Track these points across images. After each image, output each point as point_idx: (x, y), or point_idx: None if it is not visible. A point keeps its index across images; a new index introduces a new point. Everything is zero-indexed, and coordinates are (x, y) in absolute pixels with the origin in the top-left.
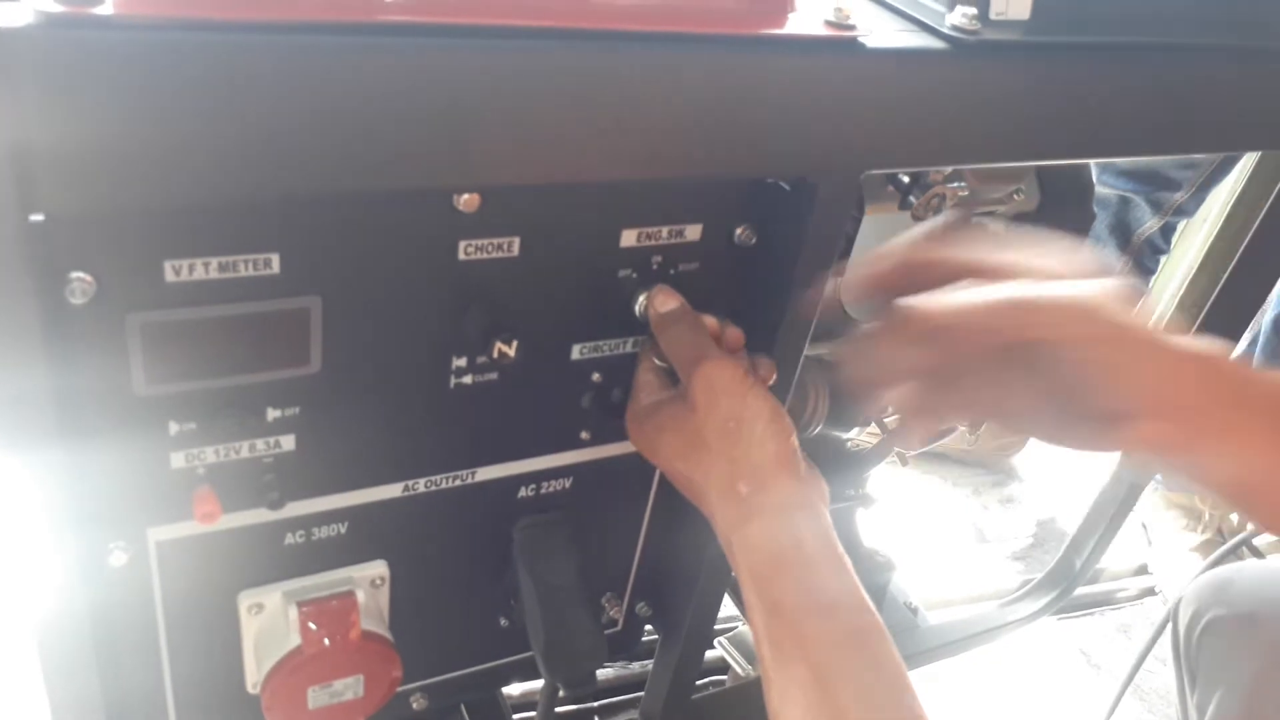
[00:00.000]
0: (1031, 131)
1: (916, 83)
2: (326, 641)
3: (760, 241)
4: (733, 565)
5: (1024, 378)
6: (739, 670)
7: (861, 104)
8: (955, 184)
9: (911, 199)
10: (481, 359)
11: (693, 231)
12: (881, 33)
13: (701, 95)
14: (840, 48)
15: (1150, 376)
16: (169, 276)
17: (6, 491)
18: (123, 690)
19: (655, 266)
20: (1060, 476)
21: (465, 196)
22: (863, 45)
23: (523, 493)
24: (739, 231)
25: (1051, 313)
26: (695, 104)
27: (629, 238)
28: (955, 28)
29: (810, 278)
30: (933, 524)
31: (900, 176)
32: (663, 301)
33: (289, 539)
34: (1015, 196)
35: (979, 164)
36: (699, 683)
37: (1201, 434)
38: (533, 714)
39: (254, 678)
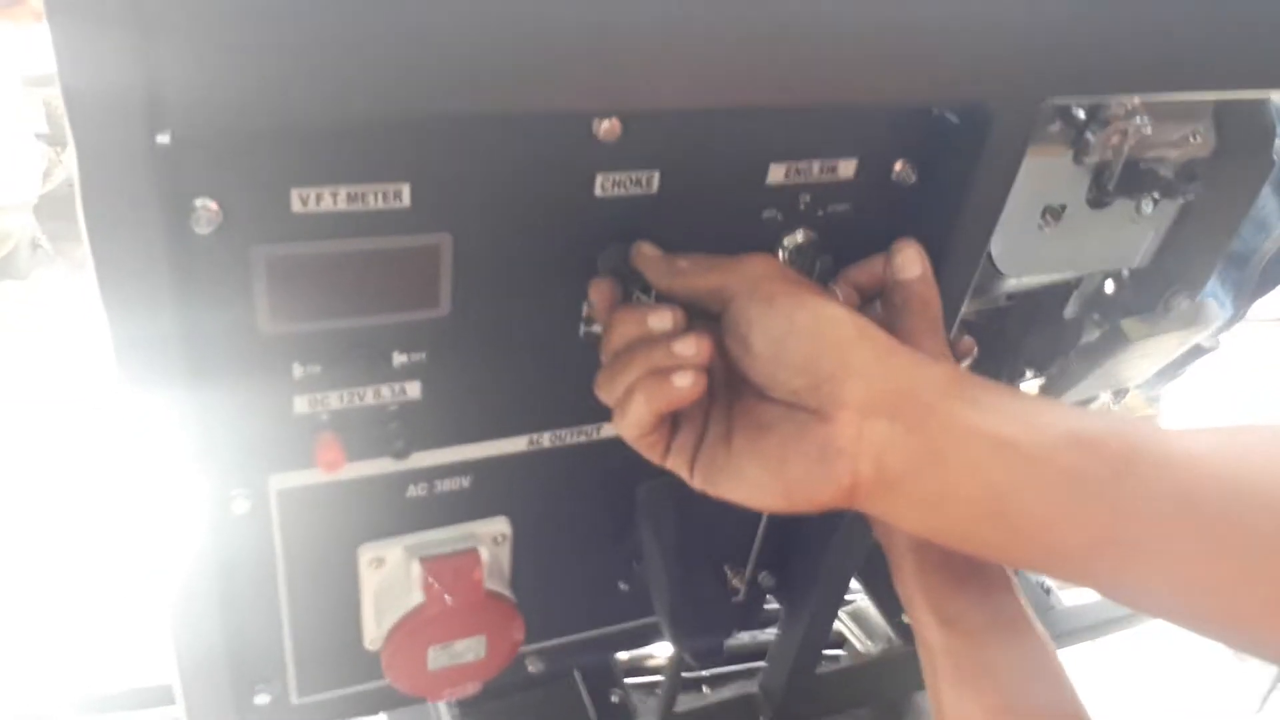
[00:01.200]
0: (1240, 52)
1: None
2: (449, 600)
3: (922, 180)
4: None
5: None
6: (858, 645)
7: (1048, 16)
8: (1139, 119)
9: (1088, 136)
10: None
11: (846, 168)
12: None
13: (863, 5)
14: None
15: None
16: (296, 206)
17: (130, 434)
18: (243, 640)
19: (803, 206)
20: None
21: (606, 123)
22: None
23: None
24: (898, 168)
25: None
26: (857, 16)
27: (776, 174)
28: None
29: (977, 221)
30: None
31: (1074, 110)
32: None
33: (411, 491)
34: (1192, 139)
35: (1181, 92)
36: None
37: (940, 437)
38: (643, 679)
39: (372, 634)
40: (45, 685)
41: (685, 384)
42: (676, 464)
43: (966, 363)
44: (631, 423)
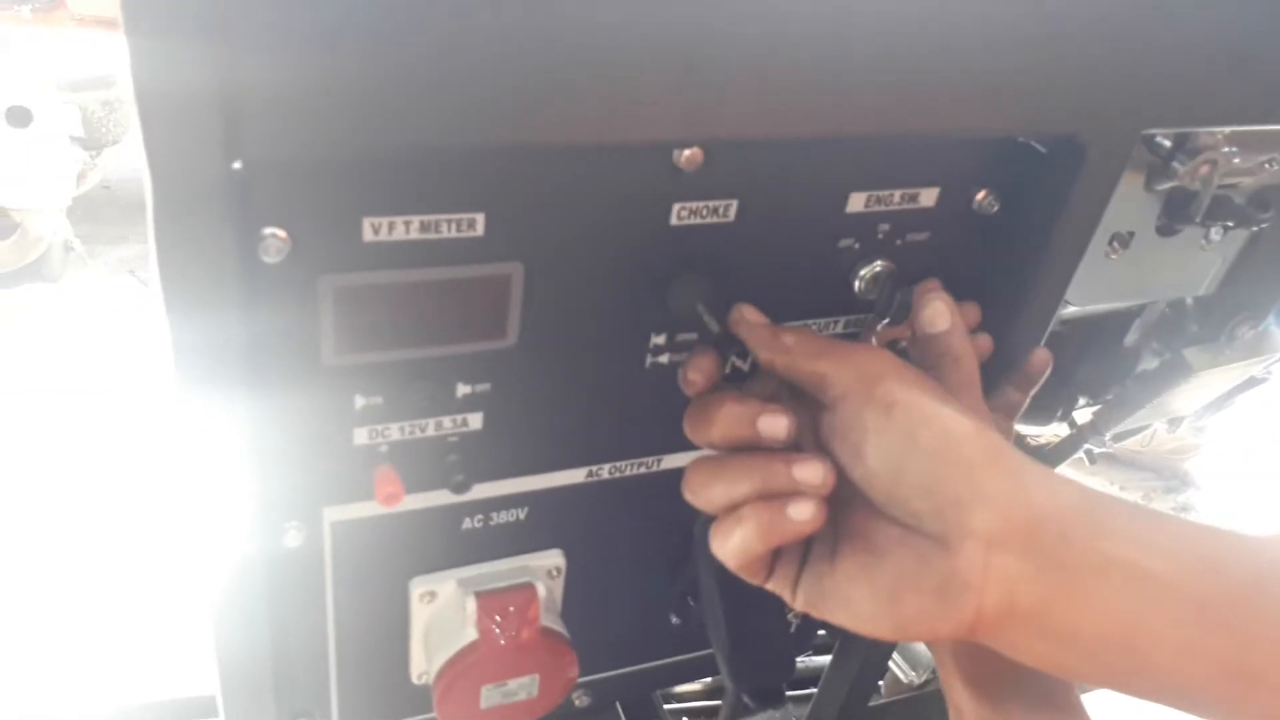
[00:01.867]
0: None
1: (1211, 21)
2: (505, 637)
3: (1004, 210)
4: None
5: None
6: (901, 677)
7: (1146, 47)
8: (1228, 149)
9: (1175, 165)
10: (682, 337)
11: (928, 196)
12: None
13: (956, 36)
14: None
15: (980, 471)
16: (367, 235)
17: (188, 461)
18: (287, 669)
19: (881, 236)
20: (1242, 485)
21: (687, 152)
22: None
23: None
24: (980, 197)
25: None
26: (949, 46)
27: (856, 202)
28: None
29: (1063, 254)
30: None
31: (1160, 140)
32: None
33: (466, 523)
34: (1267, 166)
35: (1275, 124)
36: None
37: (1075, 571)
38: (682, 705)
39: (420, 668)
40: (91, 693)
41: (805, 517)
42: (778, 587)
43: (1041, 381)
44: (736, 552)
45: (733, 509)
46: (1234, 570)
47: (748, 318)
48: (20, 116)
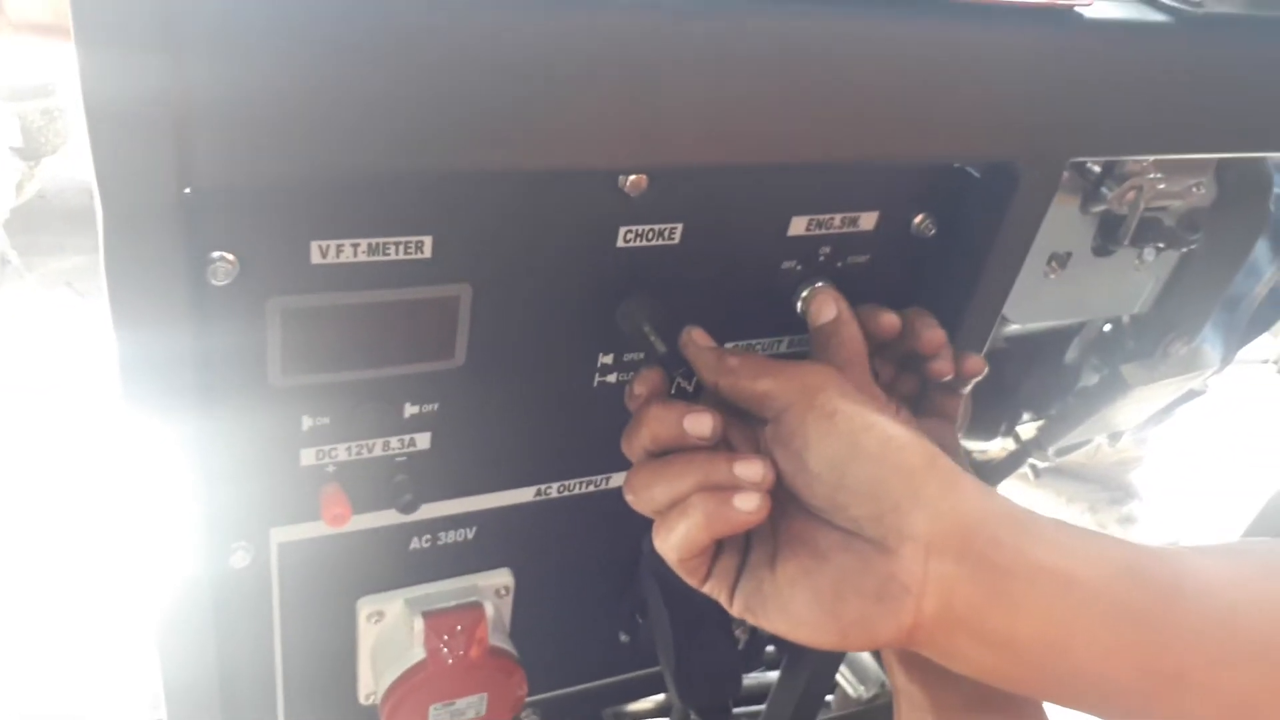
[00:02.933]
0: (1254, 117)
1: (1136, 60)
2: (452, 656)
3: (941, 232)
4: None
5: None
6: (849, 690)
7: (1077, 81)
8: (1153, 175)
9: (1104, 191)
10: (629, 356)
11: (867, 220)
12: (1097, 2)
13: (897, 69)
14: (1056, 18)
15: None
16: (315, 258)
17: (133, 480)
18: (234, 689)
19: (822, 258)
20: (1185, 496)
21: (633, 178)
22: (1080, 16)
23: None
24: (917, 220)
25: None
26: (889, 78)
27: (798, 225)
28: None
29: (997, 275)
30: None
31: (1090, 166)
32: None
33: (414, 543)
34: (1194, 190)
35: (1193, 154)
36: None
37: (1007, 575)
38: None
39: (368, 688)
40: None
41: (751, 507)
42: (715, 589)
43: (974, 383)
44: (679, 544)
45: (675, 505)
46: (1153, 576)
47: (696, 340)
48: None
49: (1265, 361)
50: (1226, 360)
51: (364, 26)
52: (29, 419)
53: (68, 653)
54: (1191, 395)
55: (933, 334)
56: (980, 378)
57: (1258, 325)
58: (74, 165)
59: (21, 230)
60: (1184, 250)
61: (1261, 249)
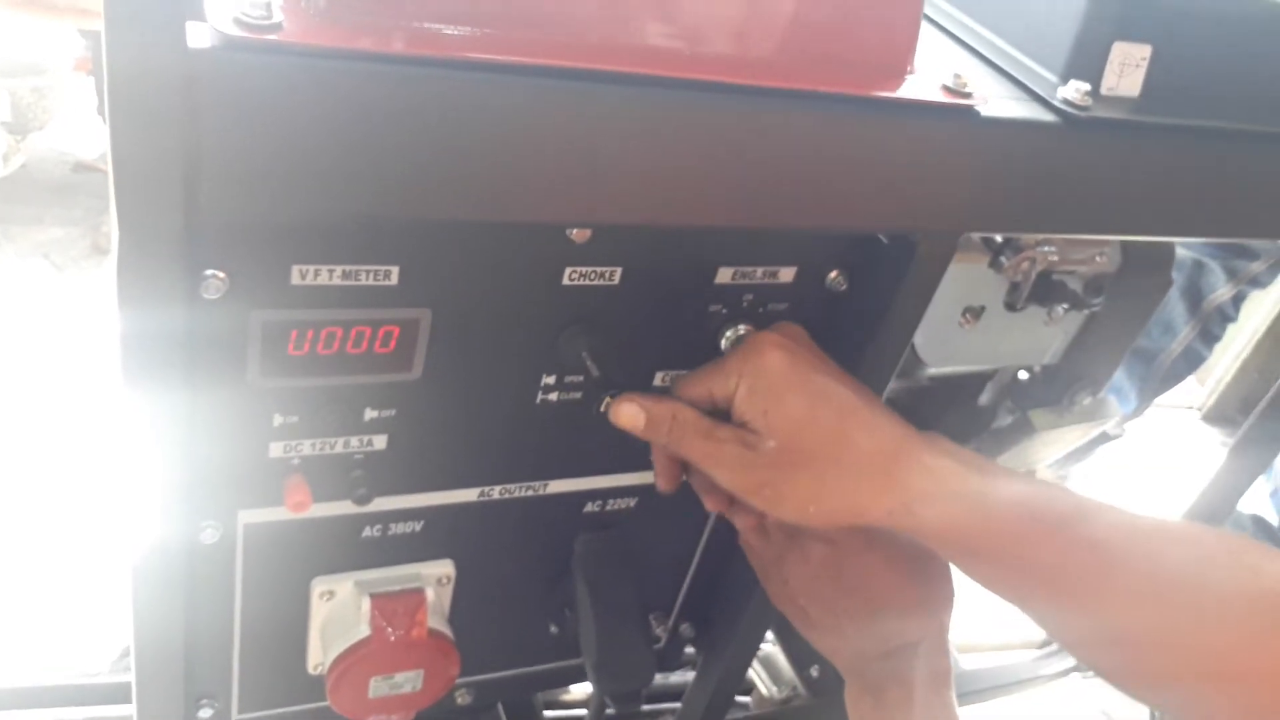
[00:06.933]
0: (1133, 207)
1: (1026, 153)
2: (394, 635)
3: (852, 288)
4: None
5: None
6: (763, 690)
7: (970, 170)
8: (1046, 248)
9: (1002, 259)
10: (569, 378)
11: (786, 274)
12: (994, 100)
13: (813, 152)
14: (955, 114)
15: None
16: (295, 280)
17: (120, 459)
18: (194, 656)
19: (745, 304)
20: None
21: (578, 230)
22: (977, 114)
23: (589, 508)
24: (831, 276)
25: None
26: (806, 159)
27: (724, 275)
28: (1067, 101)
29: (899, 327)
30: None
31: (993, 236)
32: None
33: (366, 532)
34: (1098, 259)
35: (1078, 234)
36: None
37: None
38: (561, 713)
39: (316, 659)
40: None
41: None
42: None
43: None
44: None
45: None
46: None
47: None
48: None
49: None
50: (1141, 409)
51: (347, 100)
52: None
53: (42, 609)
54: (1106, 438)
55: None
56: None
57: (1171, 378)
58: (58, 140)
59: (2, 201)
60: (1088, 311)
61: (1177, 309)
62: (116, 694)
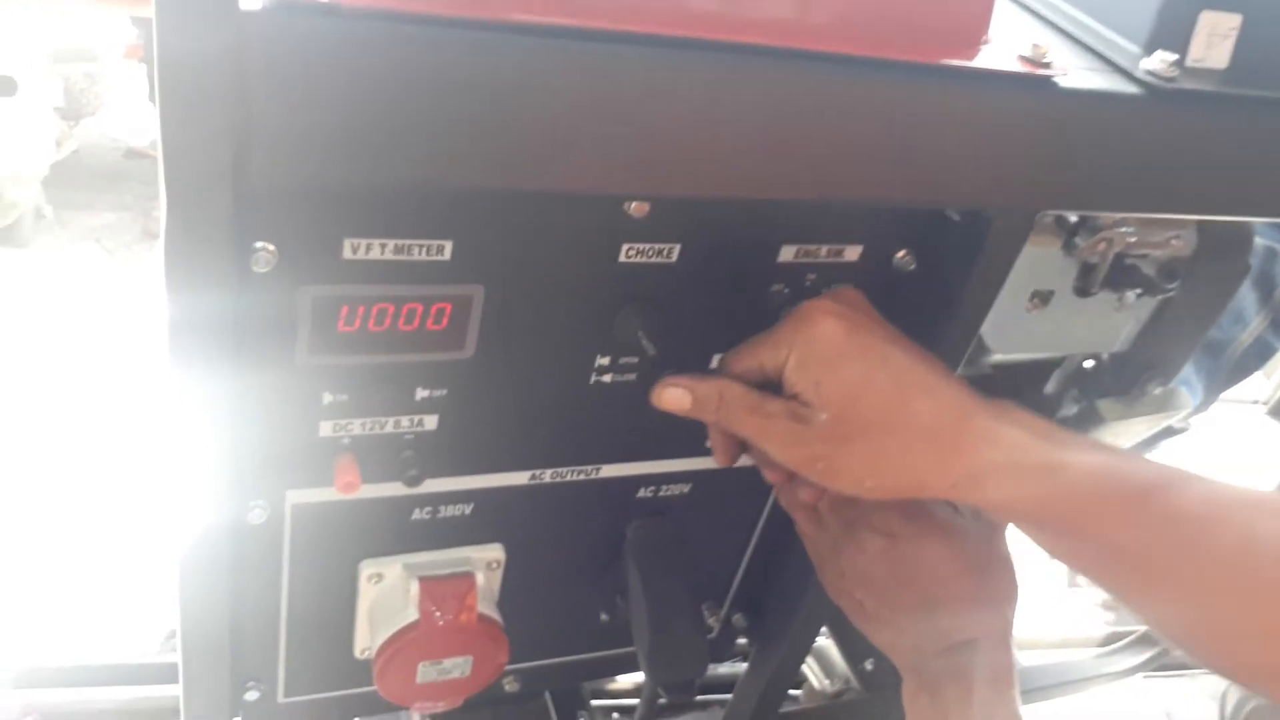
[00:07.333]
0: (1218, 185)
1: (1108, 127)
2: (443, 619)
3: (920, 268)
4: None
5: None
6: (815, 683)
7: (1049, 144)
8: (1124, 229)
9: (1077, 240)
10: (624, 359)
11: (852, 252)
12: (1074, 72)
13: (883, 122)
14: (1033, 85)
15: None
16: (346, 254)
17: (165, 437)
18: (241, 638)
19: (808, 283)
20: None
21: (636, 203)
22: (1056, 85)
23: (642, 493)
24: (899, 255)
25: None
26: (876, 130)
27: (787, 253)
28: (1151, 73)
29: (969, 310)
30: (1020, 561)
31: (1068, 216)
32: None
33: (416, 514)
34: (1173, 241)
35: (1159, 214)
36: None
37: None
38: (608, 702)
39: (364, 643)
40: (48, 652)
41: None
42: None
43: None
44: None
45: None
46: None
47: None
48: (6, 86)
49: (1254, 402)
50: (1207, 402)
51: (403, 60)
52: (56, 368)
53: (90, 592)
54: (1171, 432)
55: None
56: None
57: (1240, 371)
58: (110, 127)
59: (56, 185)
60: (1163, 296)
61: (1248, 298)
62: (166, 674)
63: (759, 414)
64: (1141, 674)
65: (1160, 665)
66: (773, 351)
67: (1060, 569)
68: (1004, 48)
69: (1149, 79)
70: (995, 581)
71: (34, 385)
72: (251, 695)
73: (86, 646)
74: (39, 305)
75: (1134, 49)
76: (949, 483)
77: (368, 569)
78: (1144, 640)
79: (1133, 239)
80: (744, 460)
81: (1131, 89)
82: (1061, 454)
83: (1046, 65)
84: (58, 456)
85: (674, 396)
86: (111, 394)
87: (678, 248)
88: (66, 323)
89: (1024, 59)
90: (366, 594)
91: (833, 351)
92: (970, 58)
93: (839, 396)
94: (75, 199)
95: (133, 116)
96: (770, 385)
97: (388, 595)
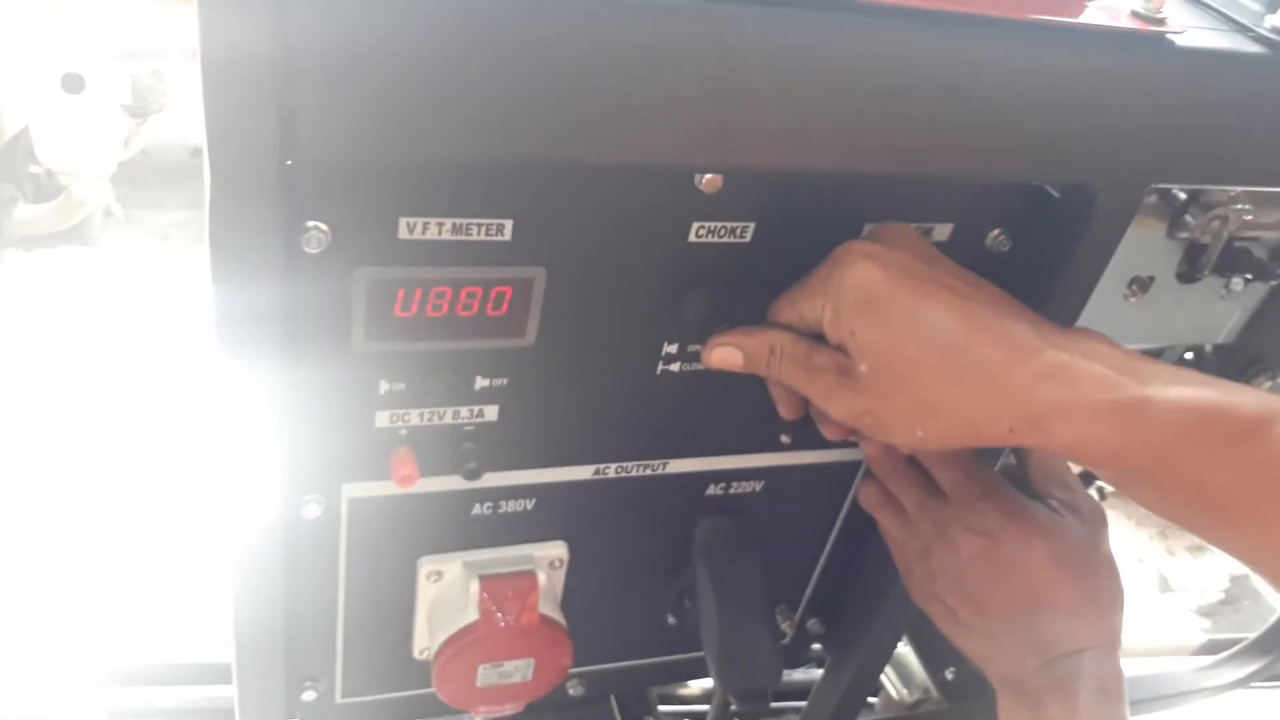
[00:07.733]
0: None
1: (1228, 91)
2: (504, 620)
3: (1016, 249)
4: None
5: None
6: (892, 692)
7: (1163, 110)
8: (1240, 206)
9: (1188, 218)
10: (693, 347)
11: (941, 231)
12: (1190, 30)
13: (976, 87)
14: (1146, 44)
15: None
16: (402, 234)
17: (219, 431)
18: (297, 638)
19: None
20: None
21: (708, 176)
22: (1172, 43)
23: (711, 490)
24: (993, 235)
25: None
26: (968, 95)
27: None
28: (1277, 30)
29: (1070, 295)
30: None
31: (1175, 192)
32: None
33: (476, 509)
34: None
35: None
36: None
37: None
38: (678, 708)
39: (422, 644)
40: (100, 653)
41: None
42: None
43: None
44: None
45: None
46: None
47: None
48: (74, 83)
49: None
50: None
51: (461, 20)
52: (124, 369)
53: (146, 594)
54: None
55: None
56: None
57: None
58: (178, 124)
59: (124, 184)
60: (1274, 283)
61: None
62: (221, 674)
63: (807, 367)
64: (1242, 689)
65: (1270, 676)
66: (809, 301)
67: (1151, 573)
68: (1112, 3)
69: (1274, 37)
70: (1102, 586)
71: (102, 382)
72: (309, 696)
73: (147, 646)
74: (108, 303)
75: (1257, 6)
76: (1005, 426)
77: (426, 566)
78: (1256, 648)
79: (1249, 216)
80: (823, 456)
81: (1255, 48)
82: (1147, 389)
83: (1161, 22)
84: (122, 453)
85: (724, 355)
86: (179, 391)
87: (751, 226)
88: (135, 320)
89: (1135, 15)
90: (425, 592)
91: (868, 297)
92: (1076, 14)
93: (877, 345)
94: (143, 197)
95: (199, 116)
96: (820, 335)
97: (447, 594)
